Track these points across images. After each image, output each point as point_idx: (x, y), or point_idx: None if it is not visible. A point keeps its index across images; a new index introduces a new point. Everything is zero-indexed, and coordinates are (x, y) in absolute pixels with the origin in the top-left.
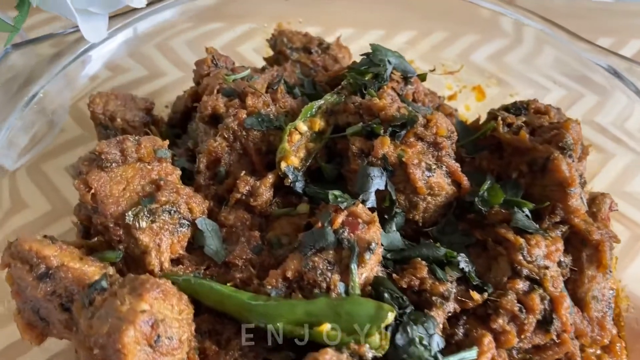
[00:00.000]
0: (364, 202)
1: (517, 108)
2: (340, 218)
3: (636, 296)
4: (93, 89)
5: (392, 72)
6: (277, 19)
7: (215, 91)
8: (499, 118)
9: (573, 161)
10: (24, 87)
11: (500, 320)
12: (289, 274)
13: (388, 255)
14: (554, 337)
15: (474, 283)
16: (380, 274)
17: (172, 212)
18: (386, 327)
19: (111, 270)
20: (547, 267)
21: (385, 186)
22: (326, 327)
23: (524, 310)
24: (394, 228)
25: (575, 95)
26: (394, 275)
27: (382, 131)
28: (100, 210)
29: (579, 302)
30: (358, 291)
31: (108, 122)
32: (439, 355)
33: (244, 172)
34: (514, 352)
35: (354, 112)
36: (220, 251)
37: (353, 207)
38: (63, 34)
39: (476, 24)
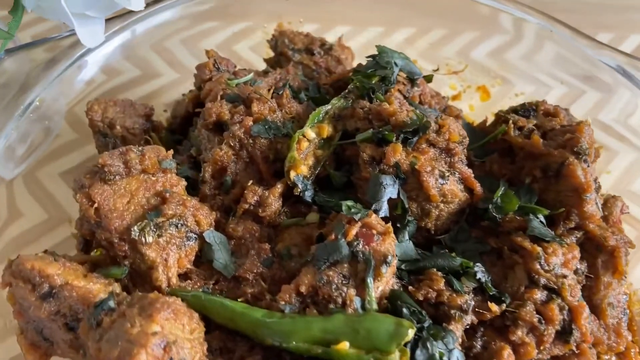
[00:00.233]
0: (376, 211)
1: (525, 110)
2: (354, 230)
3: None
4: (89, 94)
5: (397, 74)
6: (274, 17)
7: (218, 97)
8: (510, 121)
9: (588, 166)
10: (20, 95)
11: (519, 332)
12: (303, 289)
13: (402, 266)
14: (574, 348)
15: (491, 293)
16: (395, 287)
17: (179, 225)
18: (405, 344)
19: (117, 287)
20: (565, 276)
21: (398, 194)
22: (345, 345)
23: (543, 321)
24: (407, 237)
25: (577, 92)
26: (410, 287)
27: (394, 138)
28: (104, 225)
29: (595, 309)
30: (375, 306)
31: (107, 130)
32: None
33: (251, 181)
34: None
35: (363, 117)
36: (229, 265)
37: (367, 218)
38: (57, 38)
39: (475, 21)
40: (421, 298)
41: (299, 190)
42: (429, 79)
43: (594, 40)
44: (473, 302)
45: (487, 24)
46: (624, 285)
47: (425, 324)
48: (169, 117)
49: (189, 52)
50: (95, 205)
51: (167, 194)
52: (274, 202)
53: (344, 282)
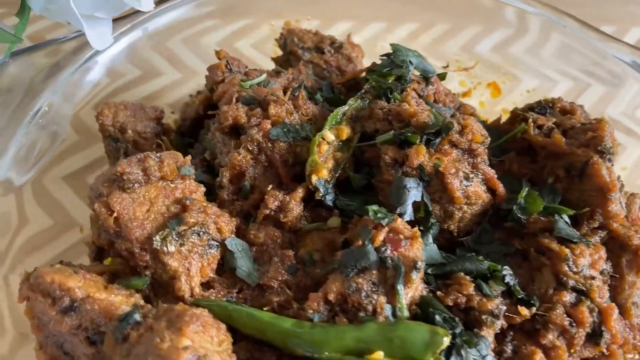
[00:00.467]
0: (401, 215)
1: (542, 107)
2: (382, 235)
3: None
4: (93, 97)
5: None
6: (275, 14)
7: (234, 99)
8: (530, 120)
9: (612, 165)
10: (27, 100)
11: (550, 336)
12: (332, 297)
13: (429, 271)
14: (604, 350)
15: (519, 296)
16: (423, 292)
17: (201, 233)
18: (440, 352)
19: (139, 298)
20: (593, 277)
21: (421, 197)
22: (379, 355)
23: (574, 324)
24: (431, 240)
25: (582, 86)
26: (438, 292)
27: (418, 140)
28: (125, 235)
29: (620, 309)
30: (406, 313)
31: (118, 135)
32: None
33: (270, 186)
34: None
35: (382, 118)
36: (253, 273)
37: (393, 223)
38: (61, 40)
39: (479, 15)
40: (450, 303)
41: (320, 194)
42: (442, 76)
43: (602, 33)
44: (504, 307)
45: (490, 17)
46: None
47: (457, 330)
48: (176, 119)
49: (190, 50)
50: (115, 214)
51: (188, 201)
52: (295, 207)
53: (373, 289)
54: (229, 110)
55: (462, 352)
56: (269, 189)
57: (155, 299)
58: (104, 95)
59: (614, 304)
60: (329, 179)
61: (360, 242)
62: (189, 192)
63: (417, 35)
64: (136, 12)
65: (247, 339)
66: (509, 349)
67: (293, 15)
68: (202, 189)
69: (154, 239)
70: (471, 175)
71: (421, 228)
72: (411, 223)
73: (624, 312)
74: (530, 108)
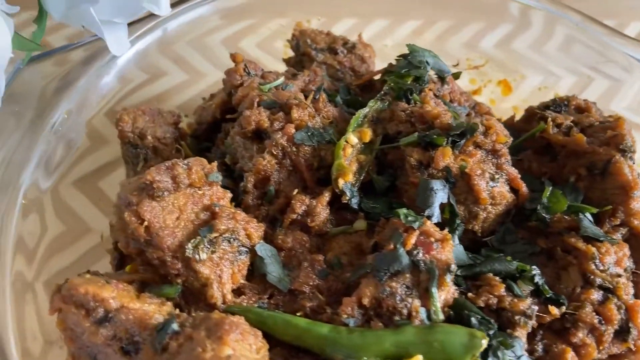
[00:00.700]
0: (429, 217)
1: (557, 105)
2: (413, 239)
3: None
4: (108, 103)
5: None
6: (277, 13)
7: (255, 104)
8: (549, 119)
9: (633, 162)
10: (45, 108)
11: (580, 334)
12: (366, 301)
13: (458, 272)
14: (631, 346)
15: (547, 296)
16: (455, 294)
17: (232, 240)
18: None
19: (171, 307)
20: (619, 275)
21: (447, 198)
22: (418, 358)
23: (602, 322)
24: (457, 241)
25: (586, 81)
26: (469, 294)
27: (444, 142)
28: (156, 244)
29: None
30: (442, 316)
31: (137, 141)
32: None
33: (296, 190)
34: None
35: (405, 120)
36: (283, 278)
37: (424, 226)
38: (69, 48)
39: (481, 10)
40: (482, 305)
41: (347, 198)
42: (457, 76)
43: (607, 27)
44: (537, 307)
45: (493, 13)
46: None
47: (492, 332)
48: (190, 123)
49: (195, 51)
50: (146, 223)
51: (217, 208)
52: (322, 211)
53: (407, 292)
54: (251, 114)
55: (499, 354)
56: (294, 193)
57: (187, 307)
58: (116, 101)
59: (639, 301)
60: (354, 182)
61: (391, 246)
62: (216, 198)
63: (421, 33)
64: (146, 18)
65: (281, 344)
66: (539, 348)
67: (296, 14)
68: (229, 195)
69: (186, 247)
70: (497, 176)
71: (447, 229)
72: (437, 225)
73: None
74: (545, 106)
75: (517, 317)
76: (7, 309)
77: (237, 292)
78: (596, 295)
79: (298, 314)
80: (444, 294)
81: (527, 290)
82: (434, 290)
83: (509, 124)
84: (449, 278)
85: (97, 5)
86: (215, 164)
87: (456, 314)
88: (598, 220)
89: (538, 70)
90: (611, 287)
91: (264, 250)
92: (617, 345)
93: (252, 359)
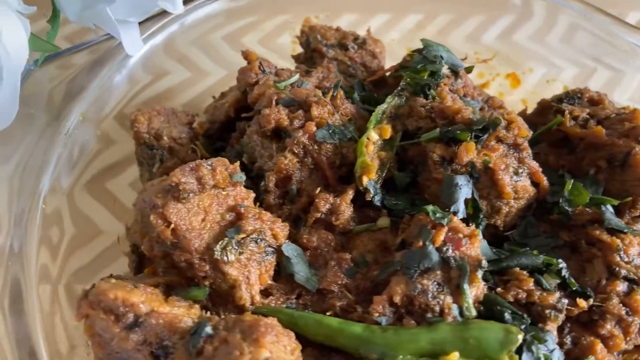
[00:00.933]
0: (454, 213)
1: (570, 97)
2: (442, 235)
3: None
4: (118, 104)
5: None
6: (278, 9)
7: (273, 102)
8: (566, 112)
9: None
10: (59, 111)
11: (607, 326)
12: (397, 299)
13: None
14: None
15: (574, 288)
16: (484, 290)
17: (259, 240)
18: None
19: (198, 310)
20: None
21: (471, 193)
22: (455, 356)
23: (629, 313)
24: (481, 236)
25: (588, 71)
26: (498, 289)
27: (468, 137)
28: (183, 246)
29: None
30: (474, 312)
31: (153, 141)
32: None
33: (319, 189)
34: (615, 354)
35: (425, 116)
36: (311, 278)
37: (452, 222)
38: (71, 51)
39: (483, 3)
40: (511, 299)
41: (371, 195)
42: (469, 70)
43: (611, 15)
44: (567, 301)
45: (495, 4)
46: None
47: (522, 327)
48: (201, 122)
49: (198, 49)
50: (172, 225)
51: (242, 209)
52: (346, 209)
53: (439, 289)
54: (271, 113)
55: (533, 348)
56: (317, 192)
57: (214, 309)
58: (125, 103)
59: None
60: (376, 180)
61: (420, 243)
62: (240, 199)
63: (423, 27)
64: (151, 18)
65: (312, 345)
66: (567, 341)
67: (297, 10)
68: (253, 195)
69: (214, 249)
70: (520, 170)
71: (470, 224)
72: (462, 220)
73: None
74: (558, 99)
75: (547, 311)
76: (36, 316)
77: (265, 293)
78: (622, 286)
79: (328, 313)
80: (475, 289)
81: (553, 284)
82: (466, 286)
83: (522, 117)
84: (480, 274)
85: (113, 4)
86: (237, 164)
87: (487, 310)
88: (618, 211)
89: (540, 62)
90: (636, 278)
91: (290, 250)
92: None
93: (287, 359)
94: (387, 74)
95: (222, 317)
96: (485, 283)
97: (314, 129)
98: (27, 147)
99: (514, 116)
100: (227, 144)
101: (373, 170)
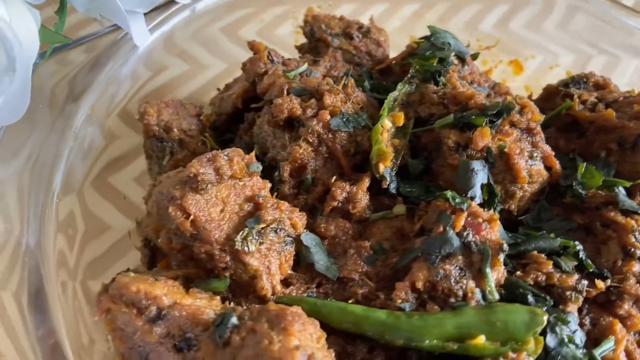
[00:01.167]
0: (472, 199)
1: (576, 82)
2: (462, 220)
3: None
4: (124, 97)
5: None
6: (277, 0)
7: (285, 91)
8: (575, 96)
9: None
10: (66, 106)
11: (625, 306)
12: (419, 285)
13: None
14: None
15: (590, 270)
16: (505, 274)
17: (278, 230)
18: None
19: (219, 301)
20: None
21: (487, 178)
22: (481, 339)
23: None
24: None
25: (585, 58)
26: (517, 273)
27: (483, 122)
28: (203, 237)
29: None
30: (497, 296)
31: (163, 134)
32: (591, 352)
33: (334, 177)
34: (632, 333)
35: (437, 102)
36: (330, 266)
37: (471, 207)
38: (73, 45)
39: None
40: (531, 282)
41: (387, 183)
42: (475, 56)
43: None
44: (586, 282)
45: None
46: None
47: (544, 309)
48: (207, 114)
49: (195, 42)
50: (191, 217)
51: (260, 199)
52: (363, 197)
53: (461, 274)
54: (283, 102)
55: (557, 329)
56: (333, 180)
57: (235, 300)
58: (129, 98)
59: None
60: (391, 167)
61: (440, 229)
62: (257, 189)
63: (421, 15)
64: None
65: (336, 333)
66: (587, 322)
67: (295, 1)
68: (269, 185)
69: (235, 239)
70: (534, 154)
71: (485, 209)
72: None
73: None
74: (565, 84)
75: (568, 293)
76: (59, 312)
77: (285, 283)
78: (637, 267)
79: (350, 301)
80: (496, 273)
81: (571, 266)
82: (488, 270)
83: None
84: (502, 257)
85: None
86: (253, 154)
87: (509, 293)
88: (629, 193)
89: (537, 49)
90: None
91: (309, 239)
92: None
93: (314, 347)
94: (399, 60)
95: (245, 307)
96: (504, 267)
97: (328, 117)
98: (35, 141)
99: (527, 100)
100: (235, 135)
101: (389, 157)
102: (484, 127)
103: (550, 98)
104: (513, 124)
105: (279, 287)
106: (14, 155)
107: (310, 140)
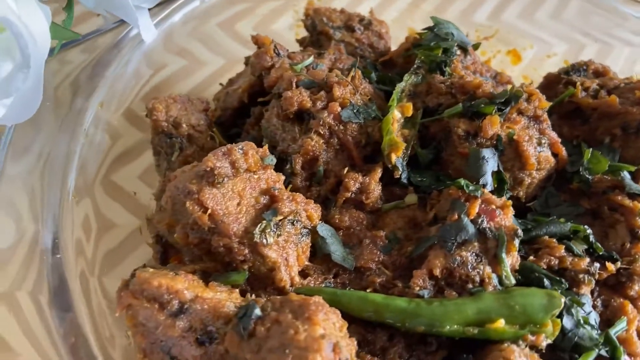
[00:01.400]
0: (483, 186)
1: (576, 70)
2: (477, 207)
3: None
4: (129, 95)
5: None
6: None
7: (294, 84)
8: (578, 83)
9: None
10: (76, 103)
11: (635, 287)
12: (437, 272)
13: None
14: None
15: (600, 253)
16: (518, 259)
17: (295, 222)
18: None
19: (238, 294)
20: None
21: (497, 166)
22: (501, 322)
23: None
24: None
25: (578, 47)
26: (530, 257)
27: (493, 110)
28: (222, 231)
29: None
30: (513, 280)
31: (172, 130)
32: (607, 332)
33: (346, 168)
34: None
35: (445, 92)
36: (347, 256)
37: (485, 194)
38: (69, 46)
39: None
40: (544, 267)
41: (399, 172)
42: (476, 47)
43: None
44: (599, 264)
45: None
46: None
47: (559, 292)
48: (212, 110)
49: (193, 37)
50: (209, 211)
51: (276, 191)
52: (376, 187)
53: (477, 260)
54: (293, 95)
55: (573, 311)
56: (345, 171)
57: (253, 292)
58: (133, 95)
59: None
60: (403, 157)
61: (455, 216)
62: (272, 182)
63: (418, 5)
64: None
65: (356, 321)
66: (598, 304)
67: None
68: (283, 177)
69: (254, 232)
70: (542, 141)
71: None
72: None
73: None
74: (565, 72)
75: (581, 276)
76: (83, 309)
77: (302, 274)
78: None
79: (368, 290)
80: (511, 258)
81: (581, 250)
82: (503, 255)
83: None
84: (517, 242)
85: None
86: (266, 147)
87: (524, 277)
88: (633, 177)
89: (531, 38)
90: None
91: (324, 230)
92: None
93: (338, 336)
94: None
95: (266, 299)
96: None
97: (339, 109)
98: (45, 140)
99: (533, 88)
100: (240, 130)
101: (401, 147)
102: (493, 115)
103: (551, 86)
104: (520, 112)
105: (297, 279)
106: (24, 153)
107: (322, 132)
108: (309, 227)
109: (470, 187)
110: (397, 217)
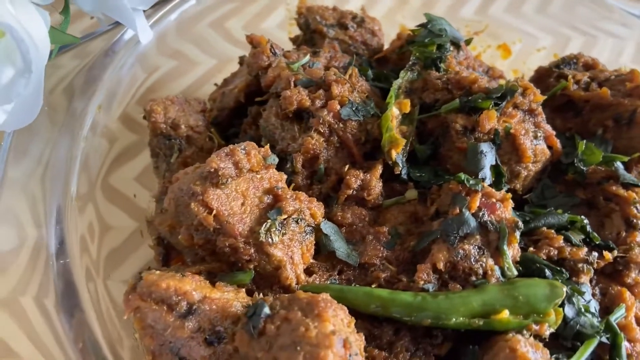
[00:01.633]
0: (482, 180)
1: (566, 63)
2: (477, 201)
3: None
4: (126, 97)
5: None
6: None
7: (292, 83)
8: (570, 76)
9: None
10: (74, 108)
11: (632, 274)
12: (440, 266)
13: None
14: None
15: (597, 242)
16: (519, 250)
17: (299, 220)
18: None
19: (245, 294)
20: None
21: (495, 160)
22: (505, 313)
23: None
24: None
25: (563, 40)
26: (530, 249)
27: (489, 105)
28: (227, 231)
29: None
30: (515, 272)
31: (171, 131)
32: (608, 319)
33: (347, 166)
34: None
35: (442, 88)
36: (351, 253)
37: (485, 188)
38: (88, 39)
39: None
40: (544, 257)
41: (399, 169)
42: (468, 42)
43: None
44: (597, 254)
45: None
46: None
47: (560, 281)
48: (208, 110)
49: (182, 38)
50: (214, 212)
51: (279, 191)
52: (377, 184)
53: (480, 253)
54: (292, 94)
55: (574, 300)
56: (346, 169)
57: (259, 291)
58: (128, 99)
59: None
60: (402, 153)
61: (456, 210)
62: (275, 181)
63: (406, 1)
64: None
65: (363, 316)
66: (596, 292)
67: None
68: (285, 176)
69: (259, 231)
70: (538, 134)
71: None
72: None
73: None
74: (556, 65)
75: (580, 265)
76: (91, 313)
77: (307, 271)
78: None
79: (373, 285)
80: (512, 250)
81: (578, 240)
82: (505, 247)
83: None
84: (518, 234)
85: None
86: (268, 146)
87: (526, 268)
88: (626, 167)
89: (518, 32)
90: None
91: (328, 227)
92: None
93: (346, 332)
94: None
95: (274, 297)
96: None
97: (338, 107)
98: (44, 145)
99: (527, 82)
100: (238, 130)
101: (401, 144)
102: (490, 110)
103: (542, 79)
104: (516, 106)
105: (302, 277)
106: (23, 158)
107: (322, 131)
108: (313, 225)
109: (471, 182)
110: (398, 212)
